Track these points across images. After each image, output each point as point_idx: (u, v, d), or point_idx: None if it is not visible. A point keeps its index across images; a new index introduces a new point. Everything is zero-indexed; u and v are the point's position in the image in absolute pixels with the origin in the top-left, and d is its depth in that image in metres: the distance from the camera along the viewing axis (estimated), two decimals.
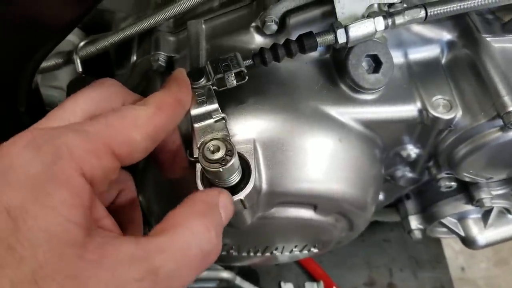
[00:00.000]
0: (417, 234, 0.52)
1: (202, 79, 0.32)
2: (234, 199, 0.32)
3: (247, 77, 0.33)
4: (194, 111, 0.32)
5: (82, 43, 0.40)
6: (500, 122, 0.36)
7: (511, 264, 1.60)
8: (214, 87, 0.33)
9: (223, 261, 0.46)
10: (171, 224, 0.25)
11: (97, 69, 0.41)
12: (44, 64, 0.41)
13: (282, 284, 0.51)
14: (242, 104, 0.35)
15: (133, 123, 0.25)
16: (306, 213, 0.37)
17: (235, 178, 0.32)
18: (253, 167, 0.33)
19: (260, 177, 0.34)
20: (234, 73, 0.33)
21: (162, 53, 0.39)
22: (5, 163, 0.22)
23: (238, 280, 0.46)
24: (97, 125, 0.24)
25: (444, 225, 0.50)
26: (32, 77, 0.34)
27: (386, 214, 0.59)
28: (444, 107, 0.38)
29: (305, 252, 0.44)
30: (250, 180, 0.32)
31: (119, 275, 0.21)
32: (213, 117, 0.31)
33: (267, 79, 0.36)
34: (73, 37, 0.44)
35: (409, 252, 0.68)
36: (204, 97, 0.33)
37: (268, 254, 0.43)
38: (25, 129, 0.25)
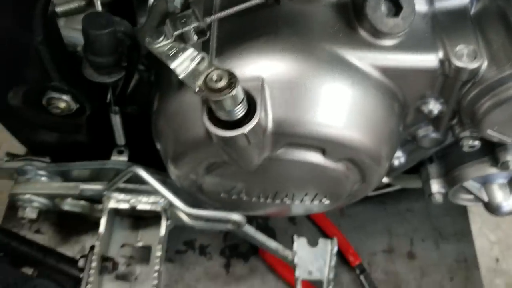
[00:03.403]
0: (438, 199, 0.50)
1: (161, 38, 0.33)
2: (238, 133, 0.32)
3: (208, 33, 0.34)
4: (173, 65, 0.33)
5: None
6: None
7: None
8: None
9: (236, 208, 0.47)
10: None
11: (119, 12, 0.42)
12: (67, 7, 0.42)
13: (295, 237, 0.52)
14: (252, 43, 0.35)
15: None
16: (314, 157, 0.37)
17: (240, 110, 0.32)
18: (259, 103, 0.33)
19: (267, 115, 0.34)
20: (194, 29, 0.33)
21: None
22: None
23: (247, 227, 0.46)
24: None
25: (467, 190, 0.48)
26: (47, 5, 0.35)
27: (409, 180, 0.57)
28: (468, 56, 0.36)
29: (316, 203, 0.44)
30: (255, 115, 0.33)
31: None
32: (194, 61, 0.32)
33: (280, 20, 0.36)
34: None
35: (433, 223, 0.65)
36: (176, 48, 0.33)
37: (278, 201, 0.43)
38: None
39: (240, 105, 0.31)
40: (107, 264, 0.48)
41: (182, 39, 0.33)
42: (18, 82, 0.41)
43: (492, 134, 0.39)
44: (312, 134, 0.35)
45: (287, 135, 0.35)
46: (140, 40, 0.39)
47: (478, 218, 1.55)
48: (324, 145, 0.36)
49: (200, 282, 0.58)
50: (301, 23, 0.36)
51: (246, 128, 0.32)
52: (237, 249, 0.60)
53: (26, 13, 0.35)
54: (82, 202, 0.53)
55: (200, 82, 0.32)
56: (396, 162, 0.51)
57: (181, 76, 0.32)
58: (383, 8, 0.35)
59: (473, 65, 0.35)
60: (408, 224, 0.65)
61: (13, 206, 0.54)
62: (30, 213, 0.50)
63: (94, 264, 0.46)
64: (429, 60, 0.37)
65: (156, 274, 0.47)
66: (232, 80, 0.30)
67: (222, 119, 0.32)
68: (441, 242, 0.64)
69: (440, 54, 0.37)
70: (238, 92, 0.30)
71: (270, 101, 0.34)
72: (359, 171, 0.40)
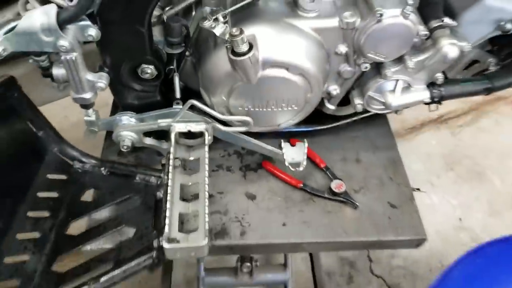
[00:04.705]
0: (359, 108, 0.87)
1: (206, 21, 0.72)
2: (246, 57, 0.70)
3: (227, 17, 0.73)
4: (215, 31, 0.71)
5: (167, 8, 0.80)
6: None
7: (505, 215, 1.89)
8: None
9: (247, 124, 0.83)
10: None
11: None
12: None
13: (282, 142, 0.87)
14: (248, 21, 0.74)
15: None
16: (284, 73, 0.75)
17: (246, 47, 0.69)
18: (254, 44, 0.71)
19: (257, 51, 0.72)
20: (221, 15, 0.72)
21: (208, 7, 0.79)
22: None
23: (254, 140, 0.82)
24: None
25: (374, 99, 0.86)
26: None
27: (345, 109, 0.95)
28: (351, 16, 0.75)
29: (290, 108, 0.81)
30: (254, 48, 0.70)
31: None
32: (223, 29, 0.70)
33: (260, 11, 0.75)
34: None
35: (371, 142, 1.02)
36: (214, 25, 0.72)
37: (270, 108, 0.80)
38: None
39: (245, 44, 0.69)
40: (177, 163, 0.82)
41: (216, 20, 0.72)
42: (128, 59, 0.78)
43: (371, 56, 0.78)
44: (283, 61, 0.73)
45: (269, 61, 0.73)
46: (190, 31, 0.78)
47: (440, 189, 1.93)
48: (288, 66, 0.74)
49: (228, 185, 0.92)
50: (271, 10, 0.75)
51: (250, 54, 0.69)
52: (249, 166, 0.95)
53: (140, 12, 0.72)
54: (155, 140, 0.89)
55: (227, 36, 0.70)
56: (334, 92, 0.89)
57: (218, 34, 0.70)
58: None
59: (351, 20, 0.75)
60: (355, 143, 1.01)
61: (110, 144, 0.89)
62: (127, 142, 0.85)
63: (171, 162, 0.80)
64: (333, 22, 0.76)
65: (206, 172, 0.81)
66: (242, 34, 0.69)
67: (238, 52, 0.70)
68: (377, 152, 1.00)
69: (337, 19, 0.76)
70: (244, 38, 0.68)
71: (259, 45, 0.72)
72: (308, 83, 0.78)
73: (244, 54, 0.69)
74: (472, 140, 2.09)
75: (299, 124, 0.92)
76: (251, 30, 0.72)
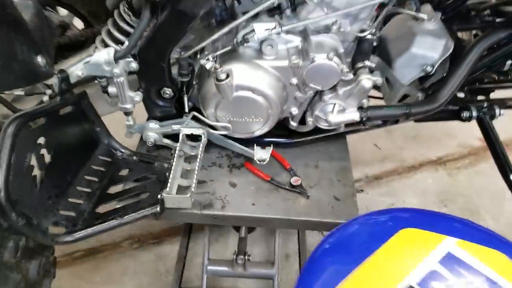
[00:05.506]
0: (310, 123, 1.23)
1: (204, 61, 1.15)
2: (223, 82, 1.10)
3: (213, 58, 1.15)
4: (207, 66, 1.13)
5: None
6: None
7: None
8: None
9: (228, 129, 1.22)
10: None
11: None
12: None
13: (255, 146, 1.25)
14: (228, 61, 1.15)
15: None
16: (250, 94, 1.14)
17: (223, 76, 1.10)
18: (231, 75, 1.11)
19: (233, 79, 1.12)
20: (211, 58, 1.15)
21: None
22: None
23: (235, 143, 1.19)
24: None
25: (319, 117, 1.22)
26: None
27: (304, 127, 1.31)
28: (296, 59, 1.14)
29: (257, 120, 1.19)
30: (229, 77, 1.10)
31: None
32: (212, 66, 1.13)
33: (235, 54, 1.17)
34: None
35: (329, 154, 1.36)
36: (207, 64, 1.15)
37: (244, 119, 1.19)
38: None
39: (223, 74, 1.10)
40: (181, 153, 1.22)
41: (208, 60, 1.14)
42: (155, 84, 1.22)
43: (312, 85, 1.15)
44: (249, 86, 1.13)
45: (240, 86, 1.13)
46: (194, 66, 1.21)
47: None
48: (253, 89, 1.14)
49: (217, 176, 1.30)
50: (246, 54, 1.17)
51: (226, 81, 1.10)
52: (235, 164, 1.33)
53: (163, 54, 1.16)
54: (170, 140, 1.30)
55: (213, 70, 1.11)
56: (294, 113, 1.26)
57: (208, 68, 1.12)
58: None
59: (296, 61, 1.13)
60: (316, 154, 1.35)
61: (142, 143, 1.32)
62: (152, 140, 1.27)
63: (177, 152, 1.20)
64: (285, 63, 1.15)
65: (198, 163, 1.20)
66: (221, 67, 1.10)
67: (219, 79, 1.10)
68: (333, 161, 1.33)
69: (288, 60, 1.15)
70: (222, 70, 1.09)
71: (234, 75, 1.13)
72: (268, 102, 1.16)
73: (222, 80, 1.10)
74: (468, 181, 2.30)
75: (279, 137, 1.30)
76: (230, 66, 1.14)
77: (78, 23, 1.62)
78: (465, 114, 1.38)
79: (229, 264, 1.54)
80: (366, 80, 1.11)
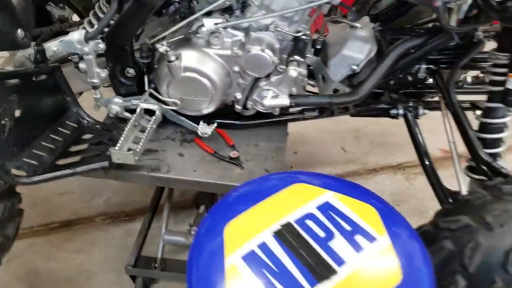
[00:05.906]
0: (250, 106, 1.44)
1: (163, 48, 1.37)
2: (172, 63, 1.31)
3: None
4: (162, 49, 1.35)
5: None
6: None
7: None
8: None
9: (186, 107, 1.42)
10: None
11: None
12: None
13: (201, 122, 1.45)
14: (181, 47, 1.36)
15: None
16: (197, 75, 1.35)
17: (173, 58, 1.31)
18: (180, 58, 1.32)
19: (181, 61, 1.33)
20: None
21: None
22: None
23: (183, 118, 1.40)
24: None
25: (256, 100, 1.42)
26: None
27: (248, 111, 1.51)
28: (237, 49, 1.34)
29: (203, 99, 1.39)
30: (178, 60, 1.31)
31: None
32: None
33: (187, 42, 1.38)
34: None
35: (270, 137, 1.56)
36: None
37: (191, 98, 1.39)
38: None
39: (173, 57, 1.31)
40: (136, 123, 1.42)
41: (163, 45, 1.35)
42: (120, 64, 1.43)
43: (250, 73, 1.35)
44: (195, 68, 1.34)
45: (188, 67, 1.34)
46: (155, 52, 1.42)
47: None
48: (199, 72, 1.34)
49: (169, 148, 1.50)
50: (197, 42, 1.38)
51: (175, 62, 1.31)
52: (187, 139, 1.53)
53: (127, 38, 1.38)
54: (130, 114, 1.50)
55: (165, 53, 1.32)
56: (238, 97, 1.46)
57: (161, 51, 1.32)
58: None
59: (237, 51, 1.34)
60: (259, 136, 1.55)
61: (109, 118, 1.53)
62: (113, 111, 1.47)
63: (131, 121, 1.41)
64: (229, 52, 1.36)
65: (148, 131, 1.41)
66: (171, 50, 1.31)
67: (169, 60, 1.31)
68: (271, 142, 1.52)
69: (230, 50, 1.36)
70: (172, 53, 1.31)
71: (183, 59, 1.34)
72: (212, 84, 1.37)
73: (172, 61, 1.31)
74: (423, 186, 2.45)
75: (230, 119, 1.51)
76: (181, 51, 1.35)
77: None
78: (393, 111, 1.57)
79: (184, 235, 1.73)
80: (293, 71, 1.31)
